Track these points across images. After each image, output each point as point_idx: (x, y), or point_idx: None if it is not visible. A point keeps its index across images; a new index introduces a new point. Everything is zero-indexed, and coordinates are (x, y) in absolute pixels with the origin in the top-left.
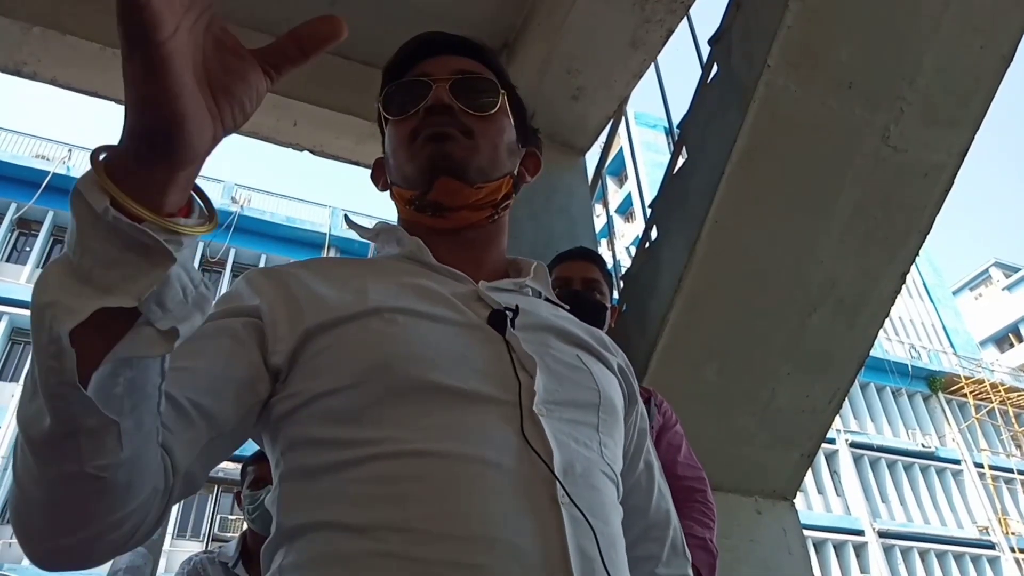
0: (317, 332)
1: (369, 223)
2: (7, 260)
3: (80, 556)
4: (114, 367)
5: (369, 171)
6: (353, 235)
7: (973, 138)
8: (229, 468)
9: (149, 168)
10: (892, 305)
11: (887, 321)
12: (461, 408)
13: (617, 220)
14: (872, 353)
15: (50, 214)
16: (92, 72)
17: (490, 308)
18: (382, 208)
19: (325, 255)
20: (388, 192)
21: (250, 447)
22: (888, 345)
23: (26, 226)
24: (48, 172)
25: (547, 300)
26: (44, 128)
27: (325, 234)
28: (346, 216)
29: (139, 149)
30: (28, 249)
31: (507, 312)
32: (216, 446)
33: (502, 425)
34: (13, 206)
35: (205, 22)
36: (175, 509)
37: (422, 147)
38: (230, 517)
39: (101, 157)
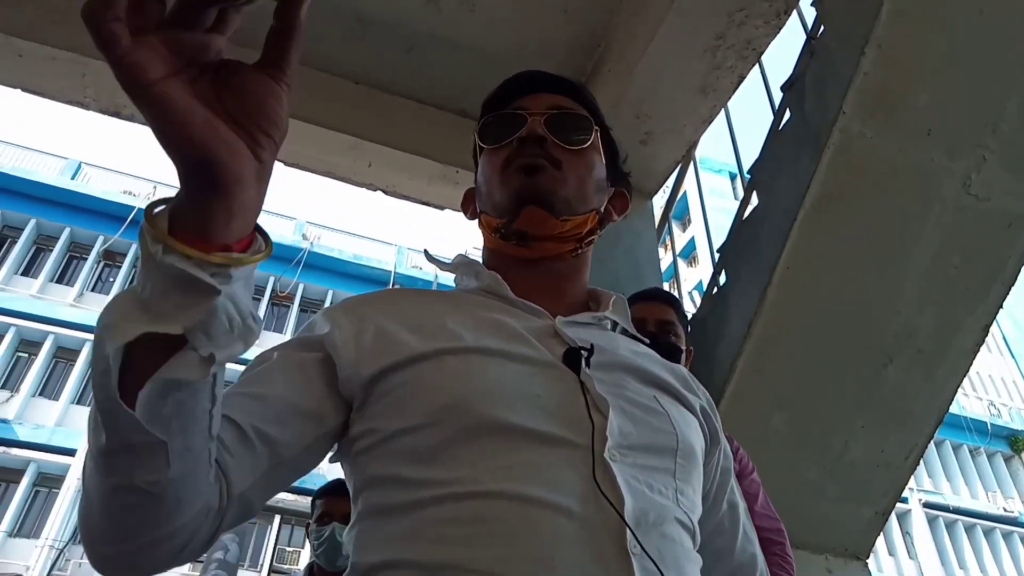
0: (393, 369)
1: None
2: (92, 290)
3: (131, 565)
4: (163, 389)
5: (439, 210)
6: (416, 274)
7: None
8: (287, 499)
9: (200, 201)
10: (974, 358)
11: None
12: (533, 450)
13: (680, 264)
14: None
15: (134, 246)
16: None
17: (566, 345)
18: (444, 248)
19: None
20: (476, 221)
21: (313, 480)
22: (965, 401)
23: (111, 258)
24: (133, 207)
25: (626, 334)
26: (131, 165)
27: (390, 272)
28: (426, 251)
29: (187, 184)
30: (112, 280)
31: (583, 351)
32: (277, 474)
33: (573, 469)
34: (100, 239)
35: (203, 62)
36: None
37: (513, 176)
38: (287, 549)
39: (157, 210)
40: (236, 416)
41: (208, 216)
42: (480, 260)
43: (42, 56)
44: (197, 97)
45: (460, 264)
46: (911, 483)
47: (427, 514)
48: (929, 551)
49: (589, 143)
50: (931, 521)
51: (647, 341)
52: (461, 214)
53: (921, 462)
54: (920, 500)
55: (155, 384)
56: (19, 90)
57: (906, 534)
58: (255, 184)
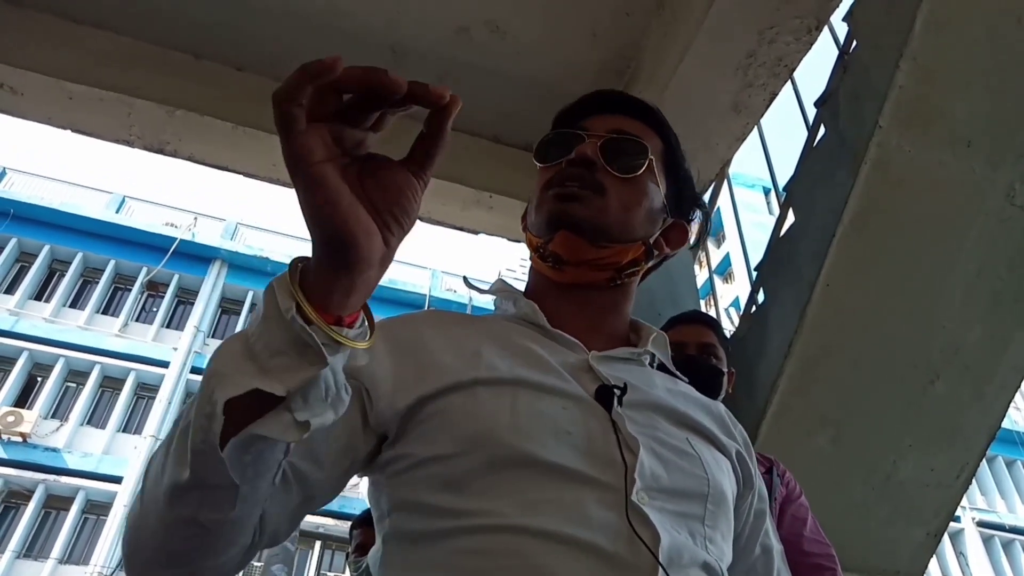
0: (429, 399)
1: (462, 283)
2: (136, 319)
3: None
4: (250, 439)
5: (473, 235)
6: (451, 297)
7: None
8: (328, 524)
9: (330, 274)
10: None
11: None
12: (561, 486)
13: (715, 281)
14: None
15: (176, 277)
16: (224, 149)
17: (599, 381)
18: (477, 271)
19: None
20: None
21: (353, 505)
22: (1017, 415)
23: (154, 288)
24: (175, 239)
25: (665, 370)
26: (172, 197)
27: (425, 295)
28: (465, 278)
29: (320, 257)
30: (155, 310)
31: (615, 389)
32: (306, 507)
33: (603, 508)
34: (144, 270)
35: (358, 155)
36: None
37: (549, 200)
38: (328, 574)
39: (300, 265)
40: None
41: (334, 288)
42: (517, 282)
43: (91, 98)
44: (346, 182)
45: (499, 290)
46: (964, 501)
47: (452, 544)
48: (985, 572)
49: (642, 170)
50: (986, 540)
51: (686, 379)
52: (495, 238)
53: (974, 479)
54: (974, 519)
55: (246, 436)
56: (69, 131)
57: (960, 555)
58: (378, 266)
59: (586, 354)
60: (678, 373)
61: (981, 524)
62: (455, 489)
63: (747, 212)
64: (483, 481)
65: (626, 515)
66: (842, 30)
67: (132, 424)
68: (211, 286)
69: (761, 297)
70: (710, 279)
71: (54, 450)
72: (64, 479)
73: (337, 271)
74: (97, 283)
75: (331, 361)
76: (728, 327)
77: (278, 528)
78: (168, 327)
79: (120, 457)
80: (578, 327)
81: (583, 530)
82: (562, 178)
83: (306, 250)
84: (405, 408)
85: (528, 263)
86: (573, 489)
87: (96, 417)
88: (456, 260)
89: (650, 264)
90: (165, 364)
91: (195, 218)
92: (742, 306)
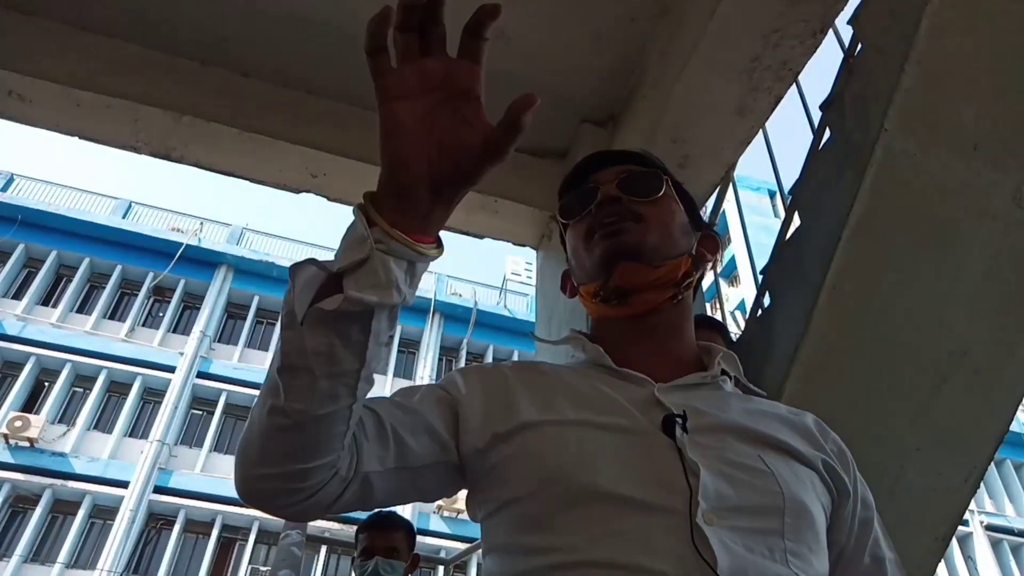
0: (504, 438)
1: (467, 288)
2: (143, 324)
3: (270, 495)
4: (321, 320)
5: (478, 239)
6: (456, 300)
7: None
8: (334, 528)
9: (387, 190)
10: None
11: None
12: (629, 516)
13: (720, 283)
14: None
15: (182, 282)
16: (231, 155)
17: (666, 412)
18: (481, 275)
19: (431, 319)
20: (577, 297)
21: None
22: None
23: (160, 293)
24: (181, 244)
25: (745, 388)
26: (178, 203)
27: (430, 299)
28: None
29: (380, 177)
30: (161, 315)
31: (677, 418)
32: (400, 476)
33: (669, 534)
34: (150, 275)
35: (458, 94)
36: None
37: (599, 242)
38: None
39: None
40: (381, 412)
41: (396, 203)
42: (523, 286)
43: (98, 105)
44: (424, 119)
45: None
46: (972, 505)
47: None
48: None
49: (663, 192)
50: (995, 544)
51: (764, 394)
52: (499, 242)
53: (982, 483)
54: (982, 523)
55: (315, 311)
56: (76, 137)
57: (968, 559)
58: (428, 195)
59: (652, 386)
60: (755, 388)
61: (990, 528)
62: (535, 528)
63: (752, 215)
64: (559, 518)
65: (691, 539)
66: (847, 33)
67: (139, 428)
68: (217, 291)
69: (767, 300)
70: (715, 282)
71: (61, 455)
72: (71, 483)
73: (390, 188)
74: (104, 288)
75: (378, 254)
76: (734, 330)
77: (372, 477)
78: (174, 332)
79: (127, 461)
80: (645, 359)
81: (651, 558)
82: (600, 219)
83: (311, 254)
84: (485, 442)
85: (533, 270)
86: (640, 518)
87: (103, 422)
88: (461, 263)
89: (699, 274)
90: (171, 369)
91: (201, 223)
92: (747, 309)
